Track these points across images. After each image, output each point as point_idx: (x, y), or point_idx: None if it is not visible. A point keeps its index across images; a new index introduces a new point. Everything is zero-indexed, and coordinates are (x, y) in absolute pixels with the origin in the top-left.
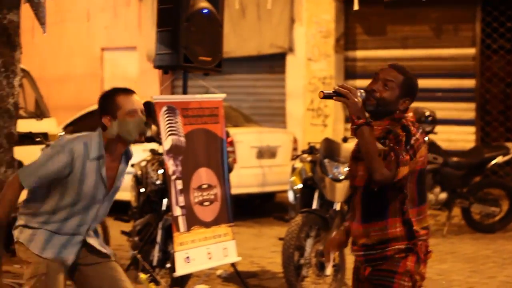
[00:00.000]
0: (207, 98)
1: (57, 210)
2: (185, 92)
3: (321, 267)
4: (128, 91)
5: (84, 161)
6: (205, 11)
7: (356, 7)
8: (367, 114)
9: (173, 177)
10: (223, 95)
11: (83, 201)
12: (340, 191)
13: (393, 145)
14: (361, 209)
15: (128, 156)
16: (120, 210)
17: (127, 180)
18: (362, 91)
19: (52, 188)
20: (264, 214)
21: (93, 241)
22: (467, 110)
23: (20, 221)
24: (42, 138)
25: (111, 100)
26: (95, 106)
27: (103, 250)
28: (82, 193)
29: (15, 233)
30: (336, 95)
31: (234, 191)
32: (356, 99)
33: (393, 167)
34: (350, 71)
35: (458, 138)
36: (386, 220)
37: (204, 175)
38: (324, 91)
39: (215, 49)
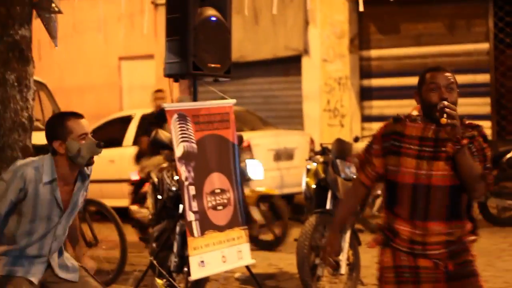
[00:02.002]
0: (217, 104)
1: (16, 237)
2: (195, 99)
3: (335, 267)
4: (77, 115)
5: (36, 185)
6: (212, 19)
7: (361, 8)
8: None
9: (186, 183)
10: (233, 101)
11: (39, 224)
12: None
13: (487, 164)
14: (446, 208)
15: (83, 175)
16: None
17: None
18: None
19: (10, 216)
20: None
21: (54, 265)
22: (482, 105)
23: None
24: None
25: (61, 125)
26: (114, 115)
27: (61, 275)
28: (37, 217)
29: None
30: (448, 116)
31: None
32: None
33: (488, 186)
34: (365, 71)
35: None
36: (463, 218)
37: (216, 180)
38: (444, 117)
39: (224, 56)
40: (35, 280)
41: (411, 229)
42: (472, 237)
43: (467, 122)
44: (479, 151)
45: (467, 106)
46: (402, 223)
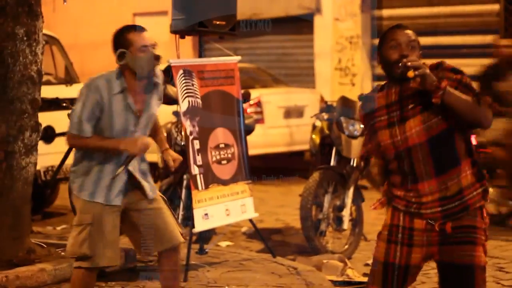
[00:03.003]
0: (223, 61)
1: (96, 153)
2: (201, 55)
3: (338, 222)
4: (139, 28)
5: (109, 96)
6: None
7: None
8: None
9: (191, 137)
10: (238, 58)
11: (117, 136)
12: (356, 148)
13: (470, 90)
14: (432, 163)
15: (151, 84)
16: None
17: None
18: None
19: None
20: (292, 172)
21: (139, 176)
22: None
23: (71, 173)
24: (68, 103)
25: (123, 37)
26: None
27: (148, 191)
28: (114, 128)
29: (69, 184)
30: (415, 69)
31: (263, 150)
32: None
33: (488, 108)
34: (376, 30)
35: None
36: (459, 165)
37: (221, 135)
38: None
39: (229, 14)
40: (118, 200)
41: (406, 193)
42: (477, 191)
43: (428, 65)
44: (458, 86)
45: (476, 66)
46: (397, 190)
